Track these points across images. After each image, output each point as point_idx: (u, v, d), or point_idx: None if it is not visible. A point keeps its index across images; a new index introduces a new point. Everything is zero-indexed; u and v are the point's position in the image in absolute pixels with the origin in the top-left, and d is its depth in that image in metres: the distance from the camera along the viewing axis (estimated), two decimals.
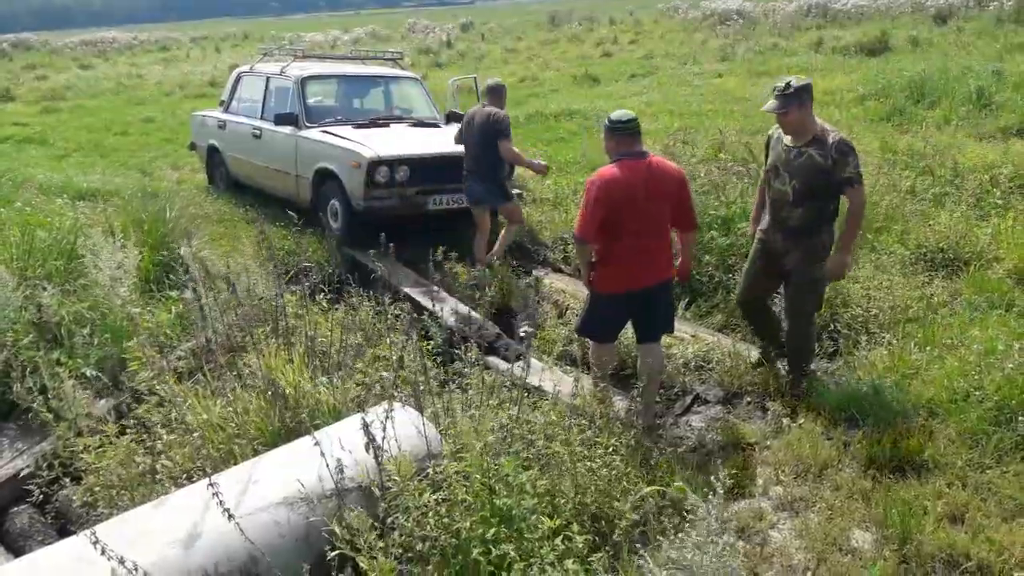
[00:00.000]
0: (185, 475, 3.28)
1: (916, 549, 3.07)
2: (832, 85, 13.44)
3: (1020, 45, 15.01)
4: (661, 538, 2.70)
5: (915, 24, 20.17)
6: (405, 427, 3.17)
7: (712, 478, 2.37)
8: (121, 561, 2.32)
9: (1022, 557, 2.99)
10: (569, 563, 2.56)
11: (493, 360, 5.13)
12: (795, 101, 4.12)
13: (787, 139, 4.32)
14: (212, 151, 9.58)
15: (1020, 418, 3.66)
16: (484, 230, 6.95)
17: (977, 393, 3.90)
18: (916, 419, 3.94)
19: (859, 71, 14.62)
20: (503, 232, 6.96)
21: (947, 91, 11.11)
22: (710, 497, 2.34)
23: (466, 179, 6.77)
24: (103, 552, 2.29)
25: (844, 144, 4.13)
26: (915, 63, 13.82)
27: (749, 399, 4.67)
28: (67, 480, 3.70)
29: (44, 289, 4.65)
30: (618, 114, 4.15)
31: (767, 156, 4.57)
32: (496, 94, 6.74)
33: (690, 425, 4.51)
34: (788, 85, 4.14)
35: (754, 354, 4.90)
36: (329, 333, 4.20)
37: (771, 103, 4.20)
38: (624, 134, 4.11)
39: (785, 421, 4.21)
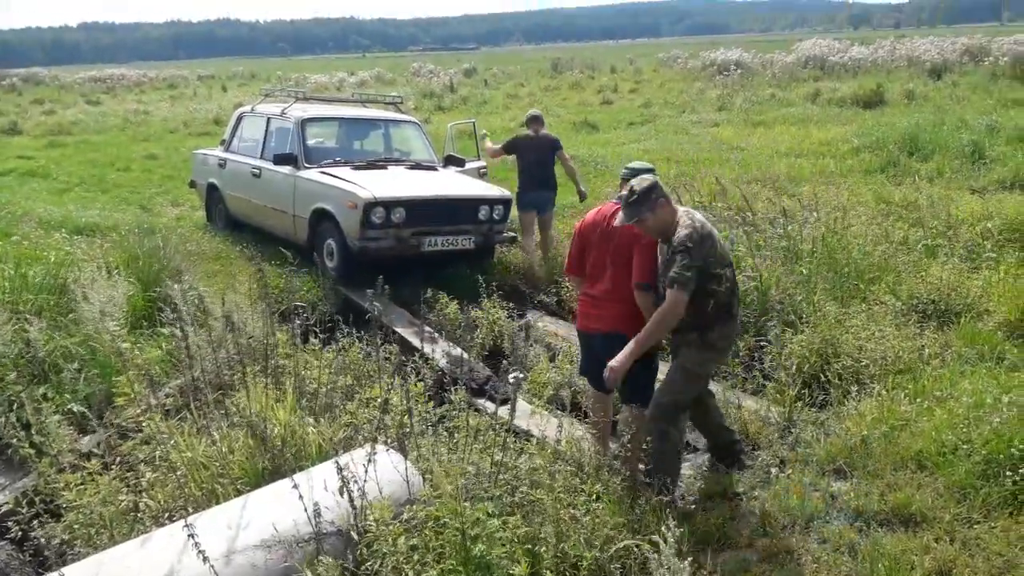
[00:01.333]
0: (167, 514, 3.26)
1: None
2: (827, 136, 13.62)
3: (1015, 100, 15.25)
4: None
5: (910, 78, 20.49)
6: (387, 470, 3.16)
7: (664, 528, 2.36)
8: None
9: None
10: None
11: (483, 403, 5.12)
12: (644, 205, 3.80)
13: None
14: (212, 189, 9.66)
15: (1007, 473, 3.63)
16: (532, 232, 8.14)
17: (965, 447, 3.87)
18: (904, 472, 3.91)
19: (854, 123, 14.82)
20: (543, 238, 8.19)
21: (941, 144, 11.25)
22: (662, 548, 2.33)
23: (527, 192, 8.03)
24: None
25: (681, 244, 3.73)
26: (910, 116, 14.01)
27: (738, 447, 4.64)
28: (47, 517, 3.65)
29: (31, 324, 4.66)
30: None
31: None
32: (542, 120, 8.36)
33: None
34: (632, 192, 3.82)
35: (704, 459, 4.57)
36: (319, 373, 4.19)
37: (621, 215, 3.92)
38: (623, 180, 4.37)
39: (773, 471, 4.18)
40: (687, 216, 3.88)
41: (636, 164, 4.43)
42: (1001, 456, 3.71)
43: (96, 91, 36.73)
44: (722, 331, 3.89)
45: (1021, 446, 3.69)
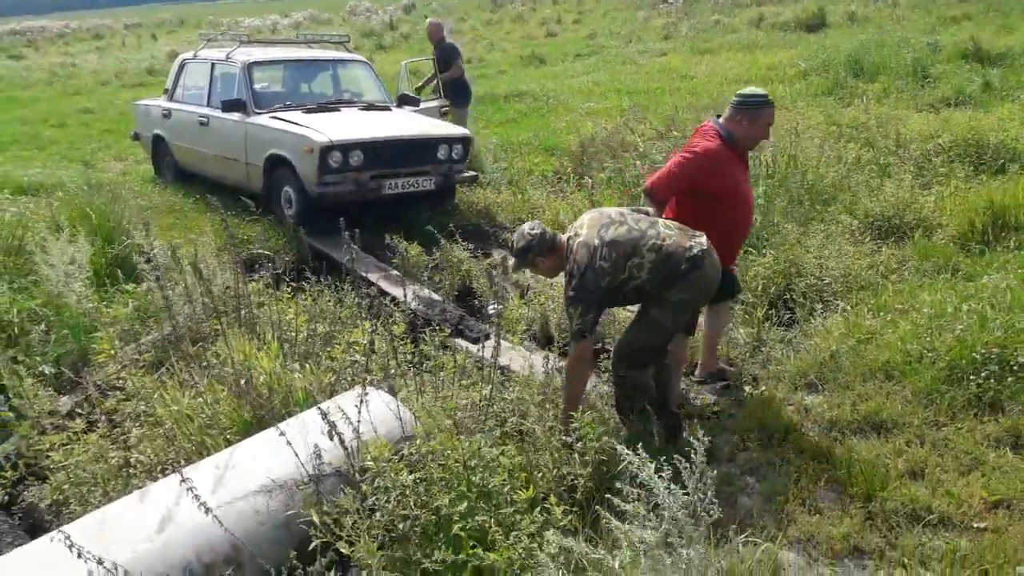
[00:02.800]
0: (159, 467, 3.25)
1: (880, 506, 3.19)
2: (774, 61, 13.69)
3: (953, 17, 15.44)
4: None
5: None
6: (380, 410, 3.18)
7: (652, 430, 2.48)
8: (100, 562, 2.29)
9: (980, 508, 3.13)
10: (549, 534, 2.61)
11: (459, 342, 5.15)
12: (523, 262, 3.83)
13: None
14: (157, 141, 9.36)
15: (971, 377, 3.82)
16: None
17: (930, 354, 4.04)
18: (873, 382, 4.08)
19: (799, 46, 14.89)
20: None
21: (885, 65, 11.41)
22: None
23: (469, 91, 9.89)
24: (79, 555, 2.26)
25: (566, 297, 3.62)
26: (853, 37, 14.12)
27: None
28: (32, 480, 3.62)
29: None
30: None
31: None
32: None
33: None
34: (511, 246, 3.92)
35: None
36: (297, 320, 4.17)
37: (511, 264, 4.02)
38: (733, 107, 4.14)
39: (747, 389, 4.32)
40: (571, 254, 3.64)
41: (749, 90, 4.09)
42: (964, 361, 3.89)
43: (17, 44, 34.94)
44: (680, 288, 3.60)
45: (983, 351, 3.88)
